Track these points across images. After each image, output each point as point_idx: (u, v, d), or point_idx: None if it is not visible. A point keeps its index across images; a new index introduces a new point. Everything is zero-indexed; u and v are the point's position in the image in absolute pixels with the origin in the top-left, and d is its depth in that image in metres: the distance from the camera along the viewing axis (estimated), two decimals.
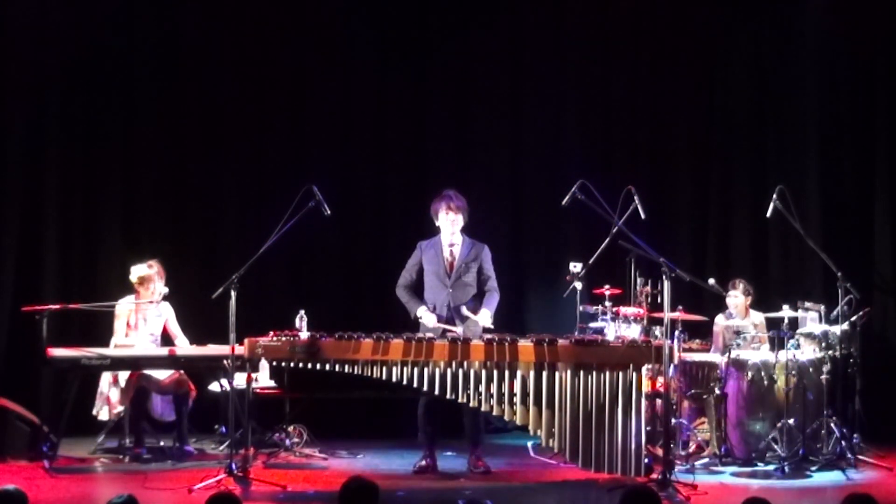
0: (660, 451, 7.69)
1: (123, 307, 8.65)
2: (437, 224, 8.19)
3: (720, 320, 9.04)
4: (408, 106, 10.25)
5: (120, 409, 8.52)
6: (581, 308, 8.21)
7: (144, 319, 8.69)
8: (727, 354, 8.52)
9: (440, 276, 8.14)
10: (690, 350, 8.69)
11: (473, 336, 7.73)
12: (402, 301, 8.23)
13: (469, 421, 8.08)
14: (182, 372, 8.58)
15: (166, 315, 8.75)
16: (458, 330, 7.93)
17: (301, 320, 7.70)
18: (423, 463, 8.11)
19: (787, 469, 7.99)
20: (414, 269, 8.23)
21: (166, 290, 8.60)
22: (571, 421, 7.51)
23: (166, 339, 8.76)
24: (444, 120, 10.26)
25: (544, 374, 7.54)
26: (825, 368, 8.40)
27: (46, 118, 9.91)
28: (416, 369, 7.54)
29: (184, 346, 8.59)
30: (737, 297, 8.98)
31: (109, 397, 8.54)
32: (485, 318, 8.02)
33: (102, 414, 8.64)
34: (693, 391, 8.49)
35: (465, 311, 8.01)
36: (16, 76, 9.88)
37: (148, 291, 8.60)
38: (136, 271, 8.62)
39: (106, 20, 9.94)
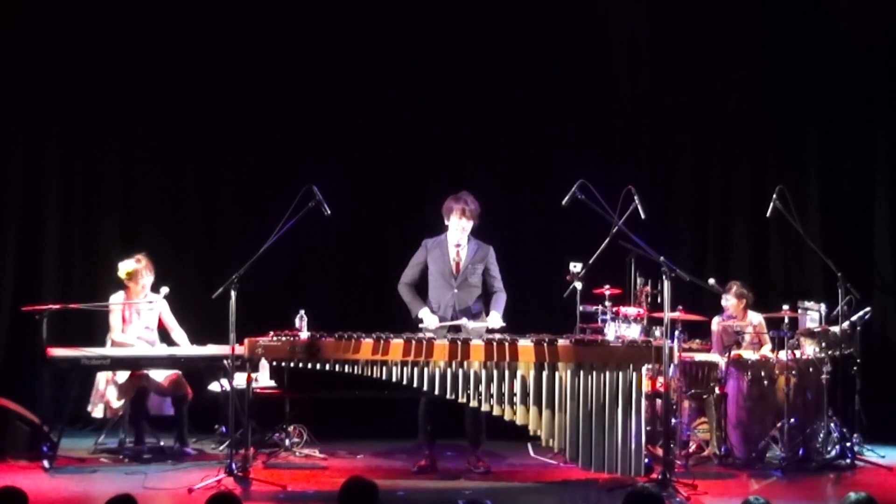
0: (660, 451, 7.69)
1: (117, 300, 8.61)
2: (446, 223, 8.13)
3: (718, 320, 9.04)
4: (407, 105, 10.23)
5: (118, 405, 8.50)
6: (581, 308, 8.20)
7: (138, 313, 8.65)
8: (727, 354, 8.53)
9: (446, 277, 8.10)
10: (690, 350, 8.70)
11: (474, 336, 7.73)
12: (403, 299, 8.19)
13: (470, 421, 8.06)
14: (180, 373, 8.56)
15: (160, 308, 8.71)
16: (465, 323, 7.90)
17: (301, 320, 7.69)
18: (423, 463, 8.10)
19: (786, 469, 8.00)
20: (418, 268, 8.19)
21: (166, 289, 8.58)
22: (571, 421, 7.51)
23: (162, 332, 8.73)
24: (444, 119, 10.24)
25: (544, 374, 7.54)
26: (825, 368, 8.39)
27: (46, 118, 9.92)
28: (416, 369, 7.54)
29: (182, 341, 8.59)
30: (729, 301, 8.95)
31: (107, 395, 8.53)
32: (494, 320, 8.01)
33: (97, 412, 8.61)
34: (693, 391, 8.49)
35: (469, 324, 7.95)
36: (16, 76, 9.88)
37: (138, 286, 8.55)
38: (125, 267, 8.57)
39: (106, 19, 9.95)
